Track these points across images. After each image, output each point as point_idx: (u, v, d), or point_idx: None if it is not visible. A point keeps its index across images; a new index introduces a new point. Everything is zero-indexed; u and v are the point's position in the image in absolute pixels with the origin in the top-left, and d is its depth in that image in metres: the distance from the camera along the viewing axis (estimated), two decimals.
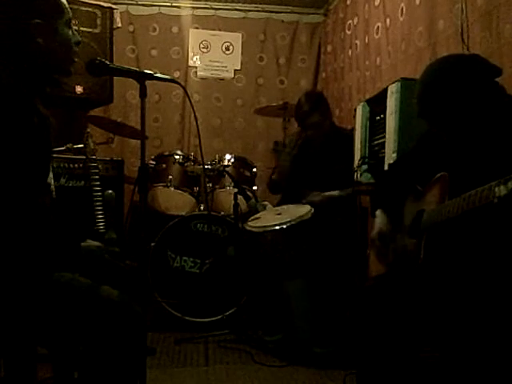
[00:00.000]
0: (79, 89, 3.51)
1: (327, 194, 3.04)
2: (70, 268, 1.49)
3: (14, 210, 1.35)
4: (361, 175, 2.59)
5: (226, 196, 3.46)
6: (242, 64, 4.82)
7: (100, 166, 3.03)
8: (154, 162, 3.60)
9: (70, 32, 1.51)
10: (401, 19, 3.20)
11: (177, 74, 4.70)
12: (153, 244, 3.24)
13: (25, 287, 1.36)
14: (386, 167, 2.31)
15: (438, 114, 1.62)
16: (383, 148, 2.39)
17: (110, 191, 2.80)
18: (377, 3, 3.59)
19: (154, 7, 4.67)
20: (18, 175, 1.37)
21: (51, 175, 1.61)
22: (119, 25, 3.95)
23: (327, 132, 3.13)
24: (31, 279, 1.37)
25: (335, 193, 3.03)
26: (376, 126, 2.52)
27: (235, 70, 4.82)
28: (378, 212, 1.89)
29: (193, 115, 4.45)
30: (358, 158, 2.64)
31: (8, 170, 1.34)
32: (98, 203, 2.77)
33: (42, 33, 1.43)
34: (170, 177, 3.50)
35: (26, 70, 1.45)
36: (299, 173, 3.20)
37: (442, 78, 1.60)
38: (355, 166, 2.65)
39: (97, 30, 3.66)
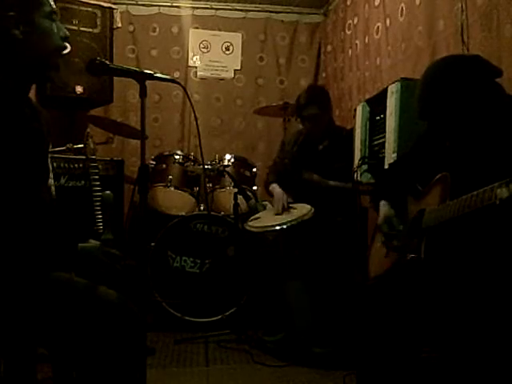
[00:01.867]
0: (79, 89, 3.51)
1: (329, 181, 3.03)
2: (67, 268, 1.49)
3: (8, 207, 1.34)
4: (361, 175, 2.59)
5: (226, 196, 3.45)
6: (241, 64, 4.81)
7: (100, 166, 3.03)
8: (154, 162, 3.60)
9: (53, 25, 1.49)
10: (401, 19, 3.20)
11: (177, 74, 4.69)
12: (153, 244, 3.24)
13: (22, 286, 1.36)
14: (386, 167, 2.31)
15: (439, 115, 1.62)
16: (383, 148, 2.39)
17: (108, 192, 2.80)
18: (377, 3, 3.58)
19: (153, 7, 4.66)
20: (11, 171, 1.36)
21: (51, 175, 1.61)
22: (119, 25, 3.95)
23: (325, 126, 3.10)
24: (29, 278, 1.37)
25: (335, 183, 3.01)
26: (376, 126, 2.52)
27: (235, 70, 4.81)
28: (382, 202, 1.88)
29: (193, 115, 4.44)
30: (358, 158, 2.64)
31: (2, 166, 1.34)
32: (97, 203, 2.77)
33: (17, 25, 1.41)
34: (170, 177, 3.50)
35: (9, 64, 1.43)
36: (299, 171, 3.19)
37: (443, 78, 1.60)
38: (355, 166, 2.65)
39: (97, 30, 3.66)
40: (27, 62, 1.46)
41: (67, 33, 1.53)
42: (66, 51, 1.53)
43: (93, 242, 1.54)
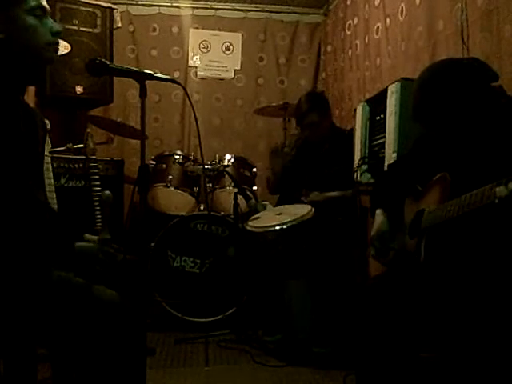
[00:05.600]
0: (79, 89, 3.51)
1: (327, 194, 3.04)
2: (66, 267, 1.49)
3: (3, 207, 1.34)
4: (361, 175, 2.59)
5: (226, 196, 3.45)
6: (242, 64, 4.82)
7: (100, 166, 3.04)
8: (154, 162, 3.60)
9: (39, 21, 1.44)
10: (401, 19, 3.20)
11: (177, 74, 4.70)
12: (153, 244, 3.24)
13: (22, 286, 1.35)
14: (385, 167, 2.31)
15: (434, 119, 1.62)
16: (383, 148, 2.39)
17: (107, 191, 2.79)
18: (377, 3, 3.58)
19: (153, 7, 4.66)
20: (4, 172, 1.36)
21: (51, 175, 1.61)
22: (119, 25, 3.95)
23: (325, 133, 3.11)
24: (28, 278, 1.37)
25: (335, 193, 3.03)
26: (376, 126, 2.52)
27: (235, 70, 4.82)
28: (378, 211, 1.89)
29: (193, 115, 4.45)
30: (358, 158, 2.64)
31: None
32: (97, 203, 2.77)
33: None
34: (170, 177, 3.50)
35: None
36: (298, 173, 3.20)
37: (437, 82, 1.60)
38: (355, 166, 2.65)
39: (97, 30, 3.67)
40: (16, 60, 1.44)
41: (59, 28, 1.49)
42: (64, 50, 1.52)
43: (88, 237, 1.54)
